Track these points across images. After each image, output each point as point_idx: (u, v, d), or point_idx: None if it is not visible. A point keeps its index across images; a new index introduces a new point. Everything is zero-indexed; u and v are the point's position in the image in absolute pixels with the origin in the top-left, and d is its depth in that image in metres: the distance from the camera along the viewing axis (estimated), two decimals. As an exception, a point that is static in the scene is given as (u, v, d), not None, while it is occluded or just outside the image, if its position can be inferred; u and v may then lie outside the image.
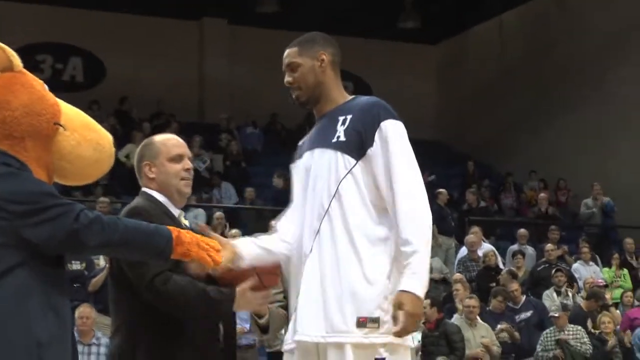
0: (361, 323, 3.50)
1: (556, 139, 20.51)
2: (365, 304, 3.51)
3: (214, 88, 21.73)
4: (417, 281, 3.46)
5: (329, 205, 3.58)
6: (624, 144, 19.18)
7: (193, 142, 17.18)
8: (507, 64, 22.51)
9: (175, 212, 3.87)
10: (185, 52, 21.77)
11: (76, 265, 11.18)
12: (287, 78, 3.74)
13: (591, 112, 19.97)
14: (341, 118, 3.65)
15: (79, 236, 2.97)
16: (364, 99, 3.74)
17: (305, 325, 3.56)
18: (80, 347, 8.87)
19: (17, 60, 3.13)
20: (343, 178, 3.58)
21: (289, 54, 3.75)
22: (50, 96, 3.20)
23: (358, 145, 3.58)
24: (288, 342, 3.67)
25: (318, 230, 3.59)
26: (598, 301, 12.80)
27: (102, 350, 9.42)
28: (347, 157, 3.58)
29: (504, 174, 20.96)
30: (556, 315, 11.90)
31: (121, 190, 15.31)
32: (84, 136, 3.21)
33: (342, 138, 3.61)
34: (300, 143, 3.89)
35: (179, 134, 15.80)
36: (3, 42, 3.15)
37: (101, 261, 10.98)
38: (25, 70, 3.18)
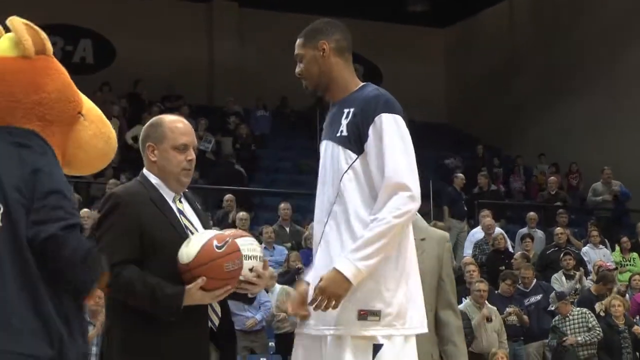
0: (362, 316, 3.50)
1: (566, 122, 20.44)
2: (366, 296, 3.51)
3: (223, 71, 21.69)
4: (348, 263, 3.44)
5: (335, 199, 3.60)
6: (636, 127, 19.10)
7: (199, 125, 17.11)
8: (516, 47, 22.44)
9: (169, 195, 3.80)
10: (195, 34, 21.74)
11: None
12: (297, 69, 3.77)
13: (601, 95, 19.90)
14: (346, 111, 3.64)
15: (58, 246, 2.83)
16: (368, 90, 3.69)
17: (309, 316, 3.60)
18: (90, 328, 8.92)
19: (49, 44, 3.15)
20: (344, 173, 3.58)
21: (296, 45, 3.77)
22: (74, 85, 3.25)
23: (357, 139, 3.58)
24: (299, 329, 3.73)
25: (325, 223, 3.62)
26: (607, 284, 12.79)
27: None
28: (348, 151, 3.59)
29: (514, 157, 20.92)
30: (552, 308, 11.98)
31: (131, 174, 15.30)
32: (99, 128, 3.29)
33: (345, 132, 3.61)
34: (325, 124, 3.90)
35: (189, 117, 15.54)
36: (12, 24, 3.15)
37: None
38: (52, 56, 3.20)
